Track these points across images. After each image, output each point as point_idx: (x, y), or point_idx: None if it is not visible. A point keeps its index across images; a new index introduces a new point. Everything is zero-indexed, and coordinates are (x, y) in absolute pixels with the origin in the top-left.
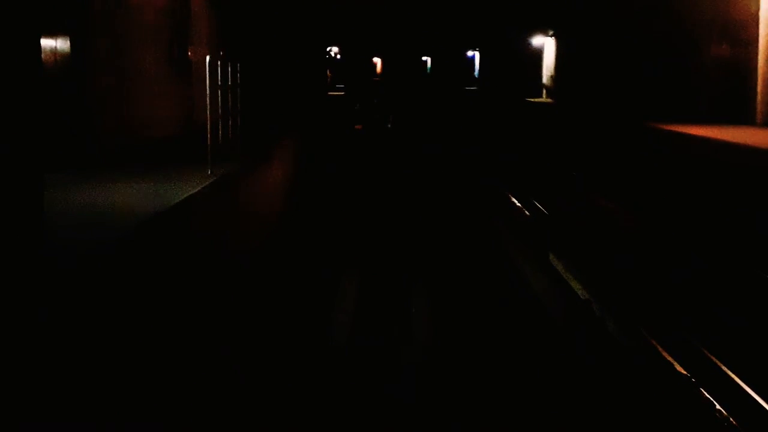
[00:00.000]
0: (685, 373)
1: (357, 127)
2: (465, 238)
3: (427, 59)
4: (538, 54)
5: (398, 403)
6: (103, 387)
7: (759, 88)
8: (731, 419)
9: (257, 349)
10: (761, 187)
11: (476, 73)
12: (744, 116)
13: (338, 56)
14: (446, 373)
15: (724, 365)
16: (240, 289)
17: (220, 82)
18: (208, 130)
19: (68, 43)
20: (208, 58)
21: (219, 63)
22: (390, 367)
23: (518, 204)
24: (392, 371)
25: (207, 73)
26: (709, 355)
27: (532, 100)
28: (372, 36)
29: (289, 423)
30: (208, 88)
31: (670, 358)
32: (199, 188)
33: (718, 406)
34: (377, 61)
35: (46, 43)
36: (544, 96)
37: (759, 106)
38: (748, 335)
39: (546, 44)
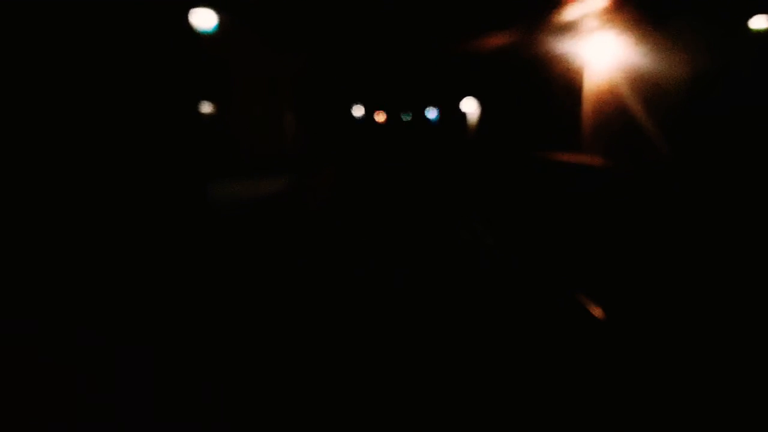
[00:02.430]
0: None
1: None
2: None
3: (410, 112)
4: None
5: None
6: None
7: (583, 136)
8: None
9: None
10: (574, 173)
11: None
12: (578, 149)
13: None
14: (415, 262)
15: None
16: (304, 224)
17: (296, 130)
18: (292, 153)
19: (215, 107)
20: (289, 117)
21: (295, 121)
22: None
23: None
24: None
25: (289, 125)
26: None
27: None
28: (374, 99)
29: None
30: (290, 132)
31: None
32: (283, 186)
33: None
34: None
35: (206, 108)
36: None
37: (584, 144)
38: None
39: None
